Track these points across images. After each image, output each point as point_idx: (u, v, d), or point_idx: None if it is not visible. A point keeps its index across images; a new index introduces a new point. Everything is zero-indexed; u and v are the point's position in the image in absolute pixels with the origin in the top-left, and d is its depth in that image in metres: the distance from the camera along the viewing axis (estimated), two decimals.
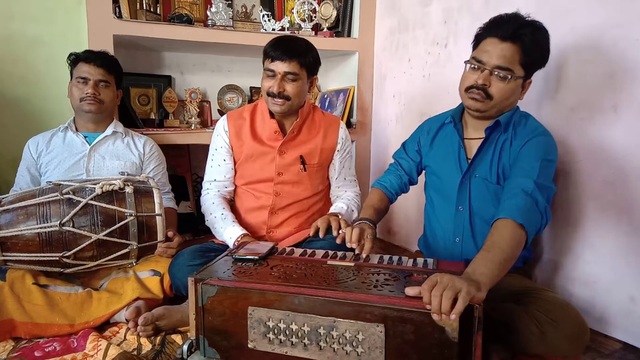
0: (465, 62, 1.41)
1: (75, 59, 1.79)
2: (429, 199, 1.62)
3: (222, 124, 1.76)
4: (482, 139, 1.44)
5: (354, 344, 1.02)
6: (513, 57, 1.32)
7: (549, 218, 1.26)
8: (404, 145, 1.69)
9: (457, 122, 1.50)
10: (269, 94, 1.62)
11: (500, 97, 1.35)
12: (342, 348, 1.03)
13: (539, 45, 1.33)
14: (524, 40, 1.30)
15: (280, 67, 1.59)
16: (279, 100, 1.62)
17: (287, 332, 1.07)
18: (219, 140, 1.76)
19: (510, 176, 1.35)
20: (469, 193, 1.46)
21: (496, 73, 1.33)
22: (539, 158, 1.31)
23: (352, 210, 1.78)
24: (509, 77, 1.32)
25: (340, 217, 1.60)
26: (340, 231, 1.48)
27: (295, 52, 1.60)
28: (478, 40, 1.40)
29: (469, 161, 1.46)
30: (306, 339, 1.06)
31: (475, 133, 1.48)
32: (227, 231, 1.65)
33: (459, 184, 1.47)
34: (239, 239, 1.61)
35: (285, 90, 1.61)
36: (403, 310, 0.98)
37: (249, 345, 1.10)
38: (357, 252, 1.32)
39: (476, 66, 1.37)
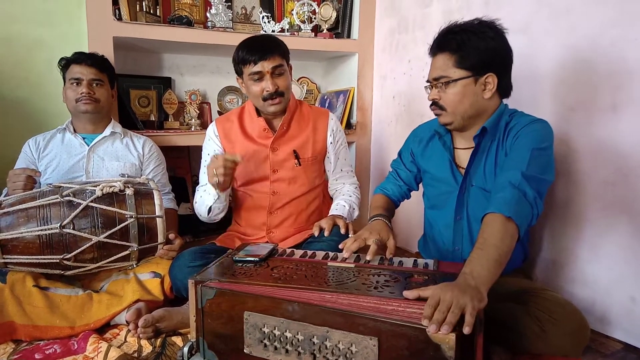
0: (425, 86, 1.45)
1: (66, 63, 1.80)
2: (427, 207, 1.60)
3: (211, 129, 1.78)
4: (472, 148, 1.41)
5: (347, 356, 0.99)
6: (445, 64, 1.34)
7: (541, 209, 1.24)
8: (400, 154, 1.67)
9: (443, 134, 1.48)
10: (265, 98, 1.62)
11: (451, 104, 1.36)
12: (336, 359, 1.02)
13: (472, 45, 1.30)
14: (451, 45, 1.32)
15: (266, 65, 1.59)
16: (277, 99, 1.62)
17: (282, 340, 1.06)
18: (211, 145, 1.77)
19: (502, 170, 1.33)
20: (466, 203, 1.44)
21: (437, 85, 1.37)
22: (529, 148, 1.28)
23: (354, 209, 1.77)
24: (446, 82, 1.34)
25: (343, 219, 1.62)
26: (349, 234, 1.51)
27: (272, 47, 1.61)
28: None
29: (463, 171, 1.44)
30: (300, 347, 1.04)
31: (464, 142, 1.46)
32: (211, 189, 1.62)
33: (457, 196, 1.45)
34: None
35: (278, 87, 1.61)
36: (397, 324, 0.94)
37: (245, 351, 1.10)
38: (346, 256, 1.31)
39: (427, 85, 1.43)
